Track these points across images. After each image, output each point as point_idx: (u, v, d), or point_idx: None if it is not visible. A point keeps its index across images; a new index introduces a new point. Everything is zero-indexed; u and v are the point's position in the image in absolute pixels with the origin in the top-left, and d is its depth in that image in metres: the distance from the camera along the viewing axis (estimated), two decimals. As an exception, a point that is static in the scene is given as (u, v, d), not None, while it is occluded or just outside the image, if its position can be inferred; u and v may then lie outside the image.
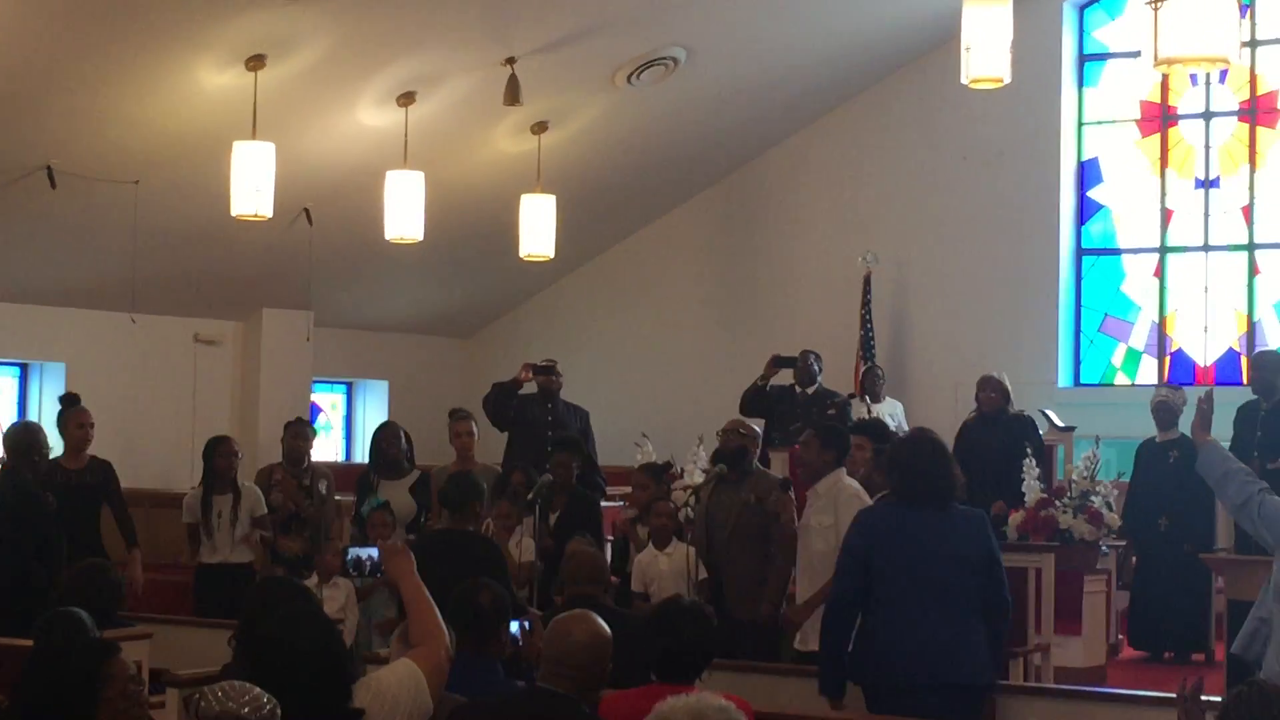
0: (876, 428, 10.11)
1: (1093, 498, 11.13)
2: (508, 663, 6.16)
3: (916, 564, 6.89)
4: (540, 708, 4.99)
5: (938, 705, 6.70)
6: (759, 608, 9.18)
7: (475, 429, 11.44)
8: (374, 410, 18.70)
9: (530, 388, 12.83)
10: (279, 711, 4.44)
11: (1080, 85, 16.77)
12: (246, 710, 4.37)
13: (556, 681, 5.07)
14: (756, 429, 10.28)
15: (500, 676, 5.98)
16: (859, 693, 7.06)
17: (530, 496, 9.85)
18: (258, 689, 4.48)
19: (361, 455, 18.07)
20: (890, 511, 7.21)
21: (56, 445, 10.80)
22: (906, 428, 13.34)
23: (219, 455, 11.13)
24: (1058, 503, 11.09)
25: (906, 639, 6.83)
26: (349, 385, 18.85)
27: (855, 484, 8.68)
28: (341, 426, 18.79)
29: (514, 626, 6.16)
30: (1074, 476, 11.35)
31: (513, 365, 13.39)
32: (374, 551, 5.91)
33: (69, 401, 10.95)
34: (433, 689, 5.23)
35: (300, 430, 11.80)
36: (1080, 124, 16.76)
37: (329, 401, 18.55)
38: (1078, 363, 16.74)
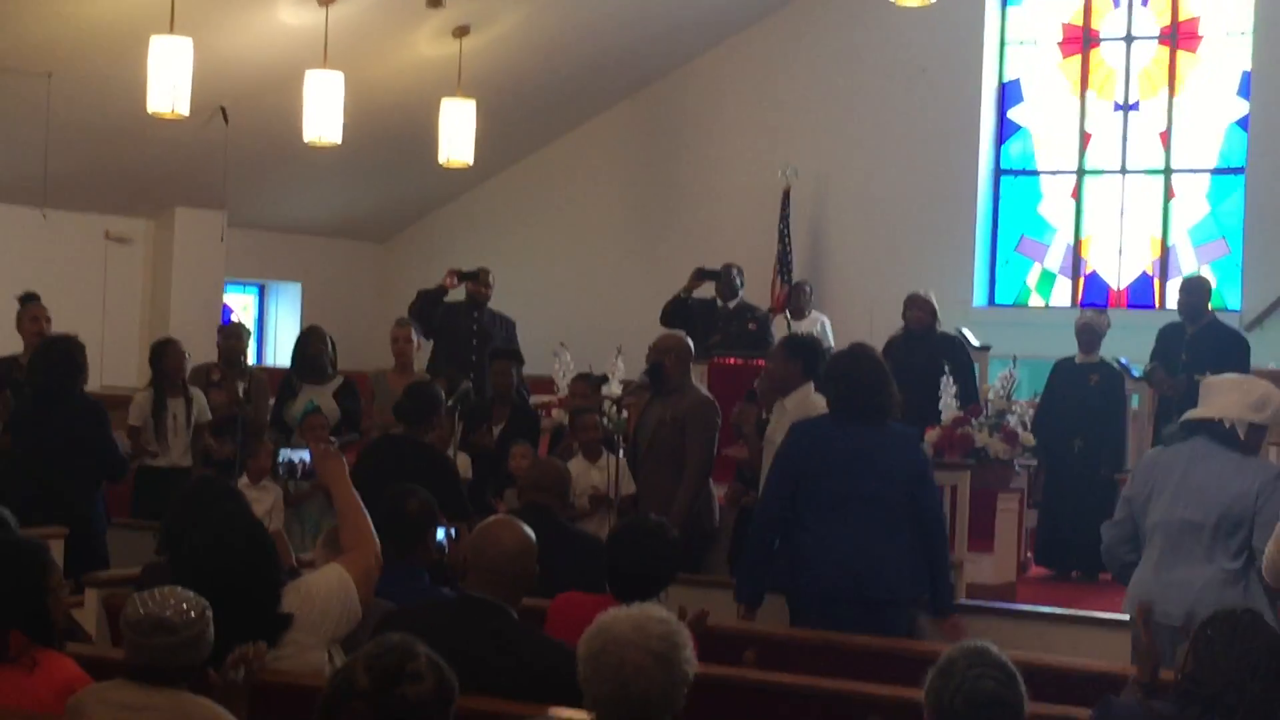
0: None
1: (1008, 417, 11.20)
2: (433, 569, 6.14)
3: (848, 478, 6.91)
4: (469, 614, 4.96)
5: (861, 618, 6.74)
6: None
7: (415, 336, 11.27)
8: (286, 313, 18.55)
9: (458, 296, 12.68)
10: (209, 614, 4.40)
11: (1004, 4, 16.77)
12: (169, 613, 4.33)
13: (484, 588, 5.05)
14: (688, 343, 10.09)
15: (425, 583, 5.97)
16: (781, 604, 7.09)
17: (450, 403, 9.78)
18: (190, 593, 4.44)
19: (273, 358, 17.98)
20: (825, 425, 7.21)
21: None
22: (833, 343, 13.31)
23: (169, 357, 10.89)
24: (974, 421, 11.15)
25: (834, 551, 6.87)
26: (261, 287, 18.66)
27: (824, 401, 8.52)
28: (254, 328, 18.57)
29: (440, 533, 6.13)
30: (990, 396, 11.41)
31: (429, 271, 13.29)
32: (306, 455, 5.84)
33: (26, 298, 10.71)
34: (363, 595, 5.21)
35: (236, 331, 11.69)
36: (1002, 44, 16.77)
37: (241, 303, 18.35)
38: (993, 283, 16.83)
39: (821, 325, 15.04)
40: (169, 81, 12.41)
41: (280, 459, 5.96)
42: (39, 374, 9.02)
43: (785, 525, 7.07)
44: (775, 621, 7.13)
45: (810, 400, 8.41)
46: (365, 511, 5.48)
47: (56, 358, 9.02)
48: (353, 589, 5.17)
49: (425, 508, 5.99)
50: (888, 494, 6.97)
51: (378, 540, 5.41)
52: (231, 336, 11.75)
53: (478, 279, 12.60)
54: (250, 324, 18.43)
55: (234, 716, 4.37)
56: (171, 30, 12.40)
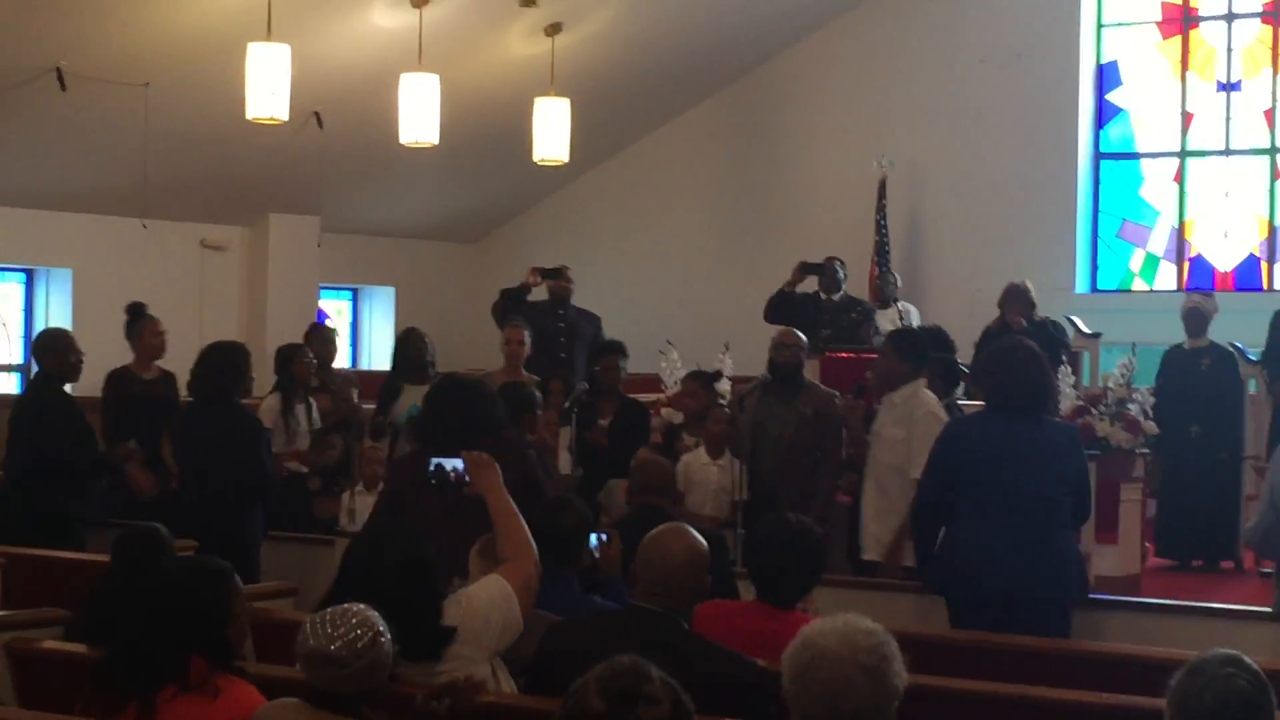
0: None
1: (1129, 405, 10.98)
2: (584, 574, 6.03)
3: (1007, 475, 6.76)
4: (639, 627, 4.84)
5: (1026, 619, 6.60)
6: None
7: (527, 338, 11.15)
8: (380, 317, 18.52)
9: (541, 294, 12.60)
10: (383, 637, 4.28)
11: (1100, -14, 16.54)
12: (337, 646, 4.21)
13: (653, 599, 4.93)
14: (805, 340, 10.04)
15: (577, 591, 5.85)
16: (938, 605, 6.95)
17: (567, 405, 9.68)
18: (364, 614, 4.31)
19: (368, 362, 17.95)
20: (981, 421, 7.07)
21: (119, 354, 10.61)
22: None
23: (298, 363, 10.92)
24: (1094, 410, 10.94)
25: (994, 551, 6.72)
26: (355, 291, 18.63)
27: (934, 399, 8.44)
28: (348, 333, 18.57)
29: (591, 539, 6.01)
30: (1110, 384, 11.18)
31: (521, 271, 13.19)
32: (458, 463, 5.71)
33: (137, 311, 10.64)
34: (523, 605, 5.10)
35: (327, 335, 11.62)
36: (1100, 26, 16.51)
37: (335, 308, 18.33)
38: (1094, 268, 16.59)
39: (908, 314, 14.84)
40: (268, 87, 12.40)
41: (431, 466, 5.82)
42: (201, 379, 8.91)
43: (939, 517, 6.93)
44: (933, 623, 6.99)
45: (918, 395, 8.38)
46: (522, 520, 5.36)
47: (219, 363, 8.91)
48: (514, 600, 5.07)
49: (581, 520, 5.88)
50: (1048, 490, 6.82)
51: (536, 548, 5.30)
52: (324, 341, 11.71)
53: (560, 276, 12.53)
54: (345, 328, 18.45)
55: None
56: (269, 37, 12.36)
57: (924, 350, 8.71)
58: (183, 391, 9.80)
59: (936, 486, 6.97)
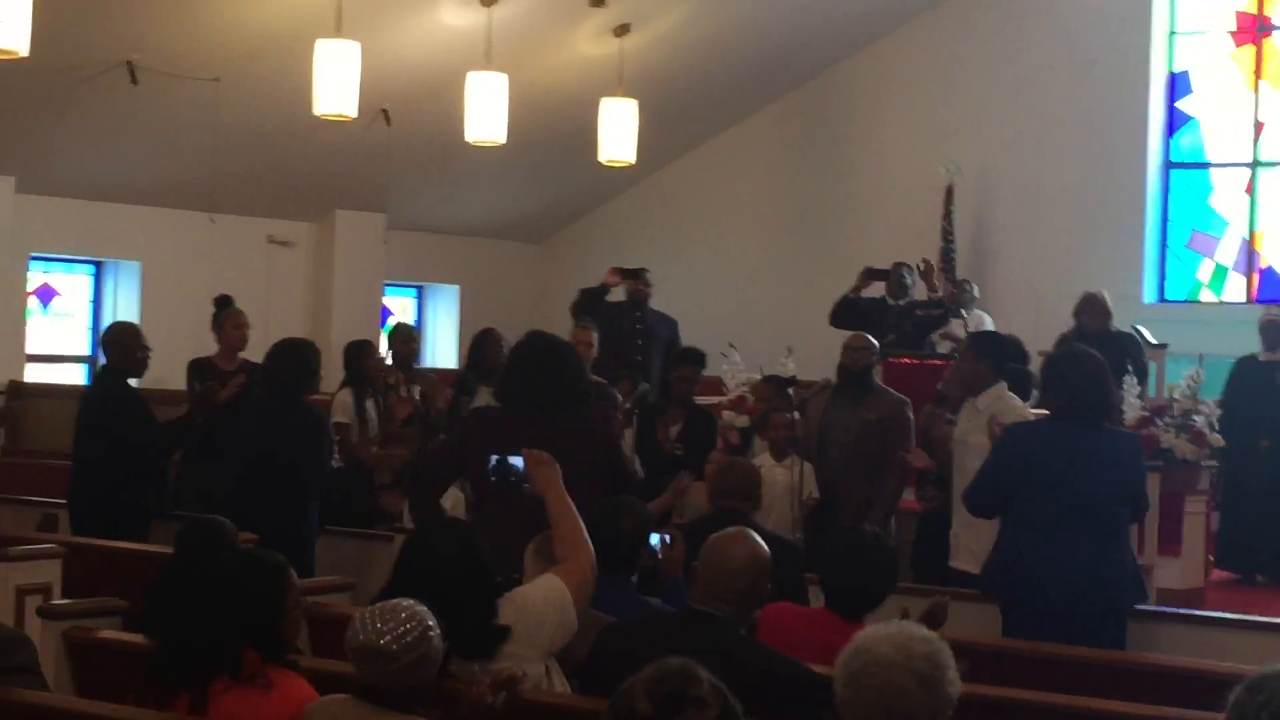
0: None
1: (1195, 417, 10.89)
2: (646, 576, 6.00)
3: (1068, 484, 6.71)
4: (695, 630, 4.81)
5: (1082, 629, 6.54)
6: None
7: (595, 339, 11.14)
8: (444, 315, 18.58)
9: (619, 295, 12.59)
10: (433, 632, 4.27)
11: (1173, -6, 16.42)
12: (386, 640, 4.20)
13: (713, 603, 4.89)
14: (876, 344, 9.98)
15: (633, 593, 5.83)
16: (992, 613, 6.90)
17: (629, 406, 9.67)
18: (413, 608, 4.31)
19: (432, 360, 17.99)
20: (1043, 427, 7.02)
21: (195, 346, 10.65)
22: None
23: (368, 358, 10.96)
24: (1159, 421, 10.86)
25: (1055, 560, 6.67)
26: (419, 289, 18.69)
27: (1020, 403, 8.32)
28: (411, 330, 18.63)
29: (653, 539, 5.99)
30: (1176, 395, 11.10)
31: (586, 271, 13.21)
32: (518, 461, 5.70)
33: (224, 302, 10.70)
34: (578, 606, 5.08)
35: (409, 334, 11.70)
36: (1172, 34, 16.39)
37: (399, 305, 18.40)
38: (1162, 278, 16.45)
39: (982, 323, 14.74)
40: (335, 84, 12.43)
41: (491, 463, 5.80)
42: (270, 373, 8.95)
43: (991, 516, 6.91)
44: (986, 631, 6.93)
45: (1004, 399, 8.23)
46: (580, 520, 5.35)
47: (290, 359, 8.94)
48: (569, 600, 5.05)
49: (640, 525, 5.85)
50: (1108, 499, 6.77)
51: (593, 549, 5.28)
52: (405, 340, 11.76)
53: (639, 278, 12.50)
54: (408, 326, 18.51)
55: None
56: (338, 33, 12.40)
57: (1005, 352, 8.59)
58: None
59: (994, 491, 6.92)
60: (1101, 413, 7.01)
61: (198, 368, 10.24)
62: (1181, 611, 8.33)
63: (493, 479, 5.79)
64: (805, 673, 4.81)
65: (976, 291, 15.16)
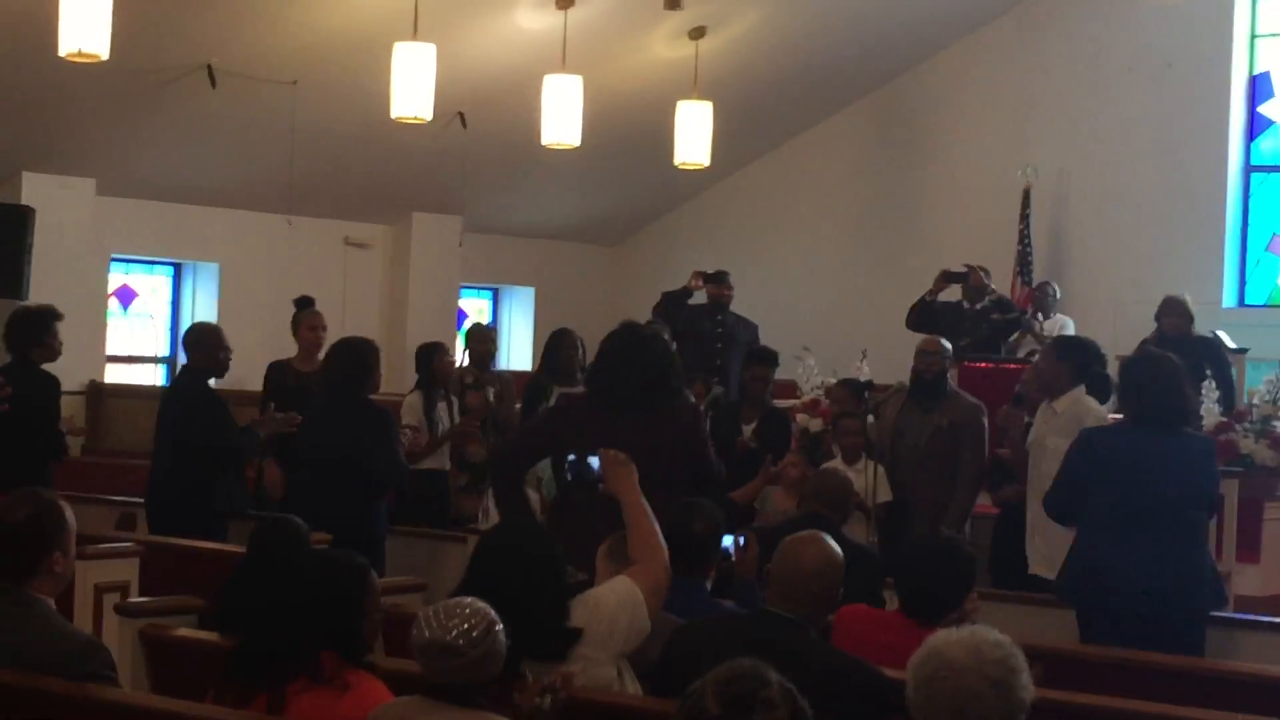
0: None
1: (1275, 422, 10.78)
2: (720, 578, 5.99)
3: (1146, 488, 6.68)
4: (767, 632, 4.80)
5: (1159, 634, 6.50)
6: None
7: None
8: (520, 317, 18.64)
9: (700, 298, 12.60)
10: (497, 627, 4.28)
11: (1254, -4, 16.26)
12: (453, 636, 4.22)
13: (785, 605, 4.88)
14: (950, 348, 9.94)
15: (706, 596, 5.82)
16: (1068, 618, 6.86)
17: (702, 407, 9.66)
18: (476, 605, 4.32)
19: (508, 362, 18.03)
20: (1120, 432, 6.98)
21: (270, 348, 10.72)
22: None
23: (439, 360, 10.96)
24: (1238, 427, 10.76)
25: (1130, 566, 6.63)
26: (495, 291, 18.75)
27: (1099, 406, 8.22)
28: (487, 333, 18.70)
29: (727, 540, 5.98)
30: (1255, 400, 10.99)
31: (661, 274, 13.22)
32: (596, 460, 5.70)
33: (303, 304, 10.72)
34: (652, 609, 5.07)
35: (486, 335, 11.73)
36: (1253, 36, 16.22)
37: (475, 307, 18.47)
38: (1243, 283, 16.29)
39: (1064, 327, 14.64)
40: (413, 87, 12.47)
41: (568, 461, 5.81)
42: (330, 374, 8.98)
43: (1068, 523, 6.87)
44: (1062, 636, 6.89)
45: (1082, 403, 8.17)
46: (655, 521, 5.34)
47: (348, 359, 8.95)
48: (641, 602, 5.04)
49: (713, 527, 5.83)
50: (1186, 504, 6.72)
51: (667, 551, 5.28)
52: (482, 340, 11.79)
53: (720, 281, 12.50)
54: (485, 328, 18.57)
55: None
56: (414, 36, 12.46)
57: (1086, 355, 8.47)
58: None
59: (1070, 495, 6.88)
60: (1179, 418, 6.96)
61: (272, 371, 10.29)
62: (1262, 619, 8.23)
63: (569, 476, 5.79)
64: (876, 676, 4.79)
65: (1058, 294, 15.07)
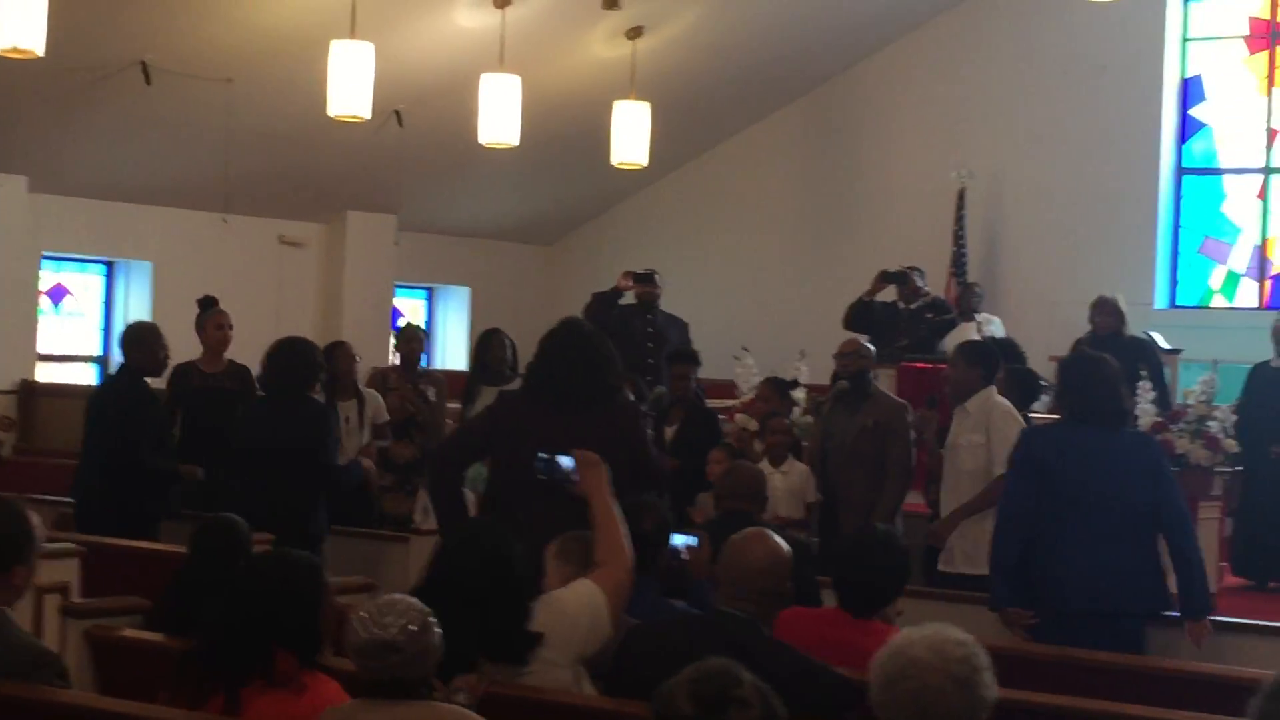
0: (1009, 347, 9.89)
1: (1209, 423, 10.87)
2: (672, 578, 5.99)
3: (1087, 486, 6.73)
4: (720, 631, 4.81)
5: (1110, 633, 6.55)
6: None
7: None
8: (455, 316, 18.58)
9: (630, 298, 12.59)
10: (431, 619, 4.28)
11: (1186, 0, 16.37)
12: (393, 634, 4.21)
13: (735, 603, 4.89)
14: (872, 349, 10.05)
15: (655, 595, 5.81)
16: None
17: (645, 409, 9.65)
18: (409, 600, 4.32)
19: (442, 362, 17.99)
20: (1062, 431, 7.03)
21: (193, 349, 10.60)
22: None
23: (339, 359, 10.68)
24: (1173, 427, 10.84)
25: (1083, 564, 6.69)
26: (430, 290, 18.69)
27: (1007, 403, 8.42)
28: (422, 332, 18.63)
29: (678, 539, 5.97)
30: (1190, 400, 11.08)
31: (596, 273, 13.22)
32: (567, 460, 5.67)
33: (206, 304, 10.56)
34: (613, 612, 5.05)
35: (414, 335, 11.61)
36: (1185, 39, 16.39)
37: (410, 306, 18.40)
38: (1174, 284, 16.44)
39: (989, 324, 14.70)
40: (350, 85, 12.42)
41: (540, 459, 5.76)
42: (274, 373, 8.89)
43: (1028, 528, 6.88)
44: (1005, 635, 6.91)
45: (991, 399, 8.37)
46: (622, 526, 5.32)
47: (292, 356, 8.87)
48: (604, 606, 5.02)
49: (660, 524, 5.83)
50: (1131, 501, 6.78)
51: (631, 555, 5.26)
52: (409, 340, 11.70)
53: (649, 281, 12.49)
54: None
55: None
56: (353, 34, 12.39)
57: (994, 358, 8.69)
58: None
59: (1026, 492, 6.91)
60: (1119, 415, 7.03)
61: (182, 373, 10.08)
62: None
63: (541, 476, 5.73)
64: (830, 673, 4.81)
65: (983, 294, 15.15)
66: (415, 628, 4.22)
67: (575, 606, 4.98)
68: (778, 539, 5.06)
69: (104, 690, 5.64)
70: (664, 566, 5.89)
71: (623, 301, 12.53)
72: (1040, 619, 6.80)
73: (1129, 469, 6.84)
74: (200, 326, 10.31)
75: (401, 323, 17.54)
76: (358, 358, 10.93)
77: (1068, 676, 6.20)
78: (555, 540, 5.51)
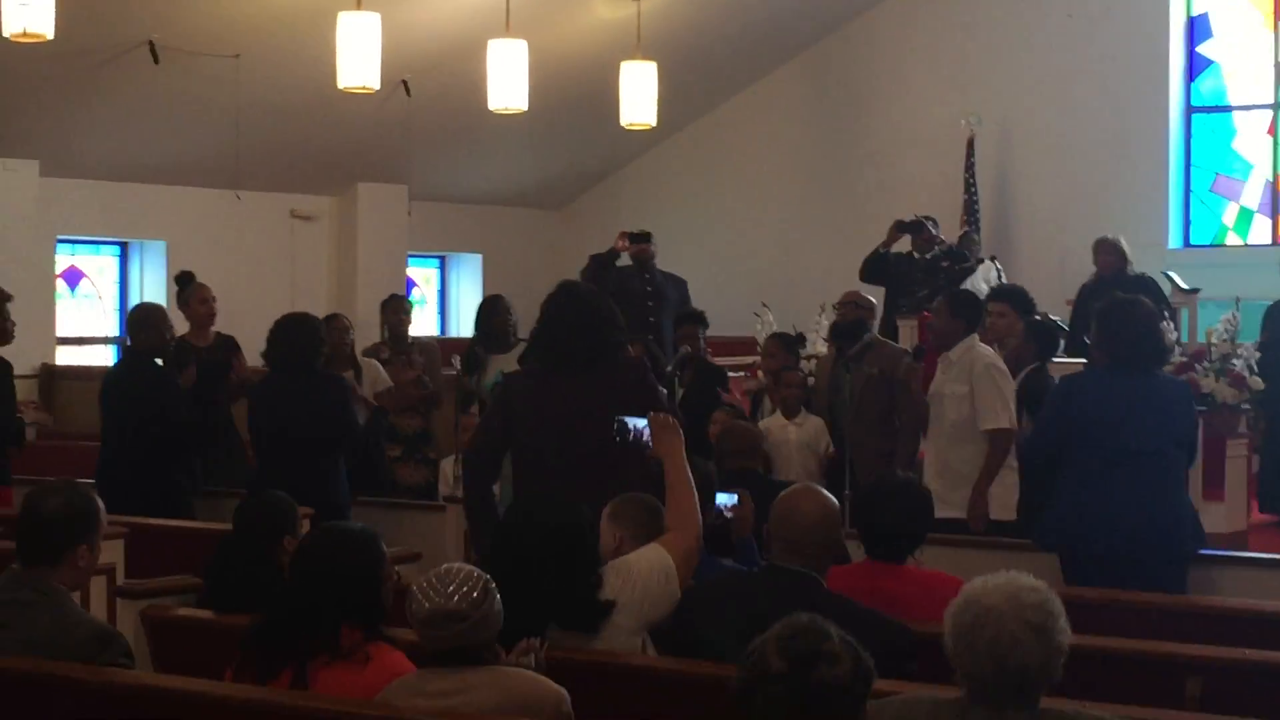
0: (1018, 295, 9.86)
1: (1234, 361, 10.87)
2: (715, 536, 6.00)
3: (1124, 431, 6.77)
4: (778, 586, 4.83)
5: (1142, 575, 6.58)
6: None
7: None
8: (468, 284, 18.58)
9: (627, 259, 12.59)
10: (493, 591, 4.30)
11: (1190, -62, 16.35)
12: (456, 601, 4.24)
13: (792, 559, 4.91)
14: (873, 300, 10.11)
15: (704, 554, 5.82)
16: (1053, 563, 6.92)
17: (670, 369, 9.68)
18: (469, 568, 4.35)
19: (456, 330, 18.01)
20: (1097, 377, 7.06)
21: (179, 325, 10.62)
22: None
23: (334, 331, 10.73)
24: (1198, 366, 10.84)
25: (1114, 508, 6.73)
26: (442, 259, 18.69)
27: (990, 352, 8.42)
28: (436, 300, 18.64)
29: (722, 498, 5.99)
30: (1214, 339, 11.08)
31: (607, 236, 13.17)
32: (641, 422, 5.66)
33: (186, 279, 10.67)
34: (683, 578, 5.07)
35: (399, 306, 11.63)
36: (1190, -24, 16.34)
37: (423, 276, 18.39)
38: (1187, 223, 16.42)
39: (988, 273, 14.65)
40: (358, 57, 12.38)
41: (616, 423, 5.72)
42: (281, 349, 8.93)
43: (1051, 472, 6.93)
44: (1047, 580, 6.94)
45: (974, 350, 8.39)
46: (694, 491, 5.34)
47: (296, 331, 8.91)
48: (674, 571, 5.03)
49: (704, 480, 5.82)
50: (1164, 445, 6.83)
51: (701, 520, 5.28)
52: (395, 311, 11.71)
53: (645, 240, 12.50)
54: (433, 296, 18.51)
55: (554, 683, 4.29)
56: (359, 6, 12.36)
57: (977, 308, 8.74)
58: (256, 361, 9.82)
59: (1051, 442, 6.97)
60: (1155, 360, 7.07)
61: (183, 349, 10.14)
62: (1234, 554, 8.33)
63: (617, 439, 5.71)
64: (890, 623, 4.83)
65: (978, 240, 15.16)
66: (477, 594, 4.26)
67: (646, 571, 4.99)
68: (825, 493, 5.08)
69: (161, 670, 5.66)
70: (708, 524, 5.89)
71: (620, 263, 12.52)
72: (1076, 562, 6.84)
73: (1166, 417, 6.87)
74: (184, 303, 10.46)
75: (417, 294, 17.64)
76: (351, 328, 10.99)
77: (1108, 617, 6.21)
78: (610, 503, 5.51)
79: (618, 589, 4.90)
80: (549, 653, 4.57)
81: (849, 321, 9.79)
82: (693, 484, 5.34)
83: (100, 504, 4.73)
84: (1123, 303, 7.29)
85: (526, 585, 4.53)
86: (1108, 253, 12.18)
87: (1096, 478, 6.80)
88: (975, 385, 8.27)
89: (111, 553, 6.90)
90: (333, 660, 4.42)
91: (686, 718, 4.36)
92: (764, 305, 12.66)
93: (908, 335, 12.09)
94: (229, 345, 10.24)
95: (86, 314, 15.73)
